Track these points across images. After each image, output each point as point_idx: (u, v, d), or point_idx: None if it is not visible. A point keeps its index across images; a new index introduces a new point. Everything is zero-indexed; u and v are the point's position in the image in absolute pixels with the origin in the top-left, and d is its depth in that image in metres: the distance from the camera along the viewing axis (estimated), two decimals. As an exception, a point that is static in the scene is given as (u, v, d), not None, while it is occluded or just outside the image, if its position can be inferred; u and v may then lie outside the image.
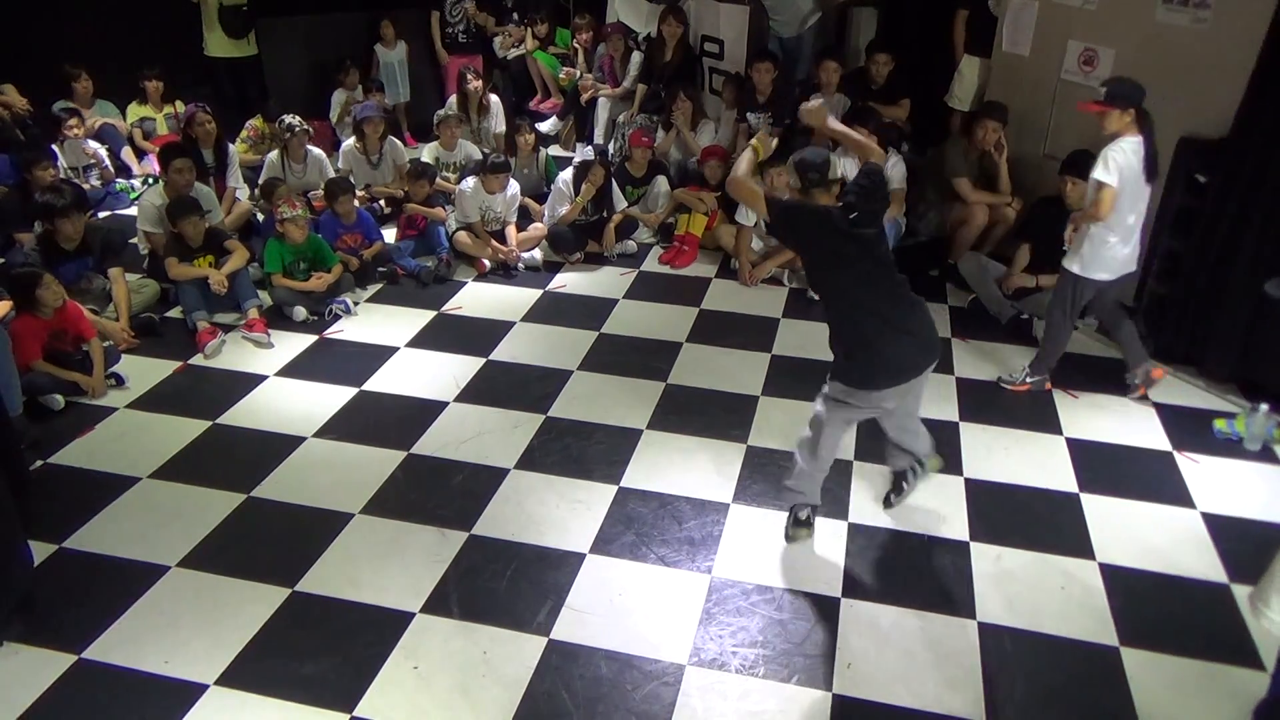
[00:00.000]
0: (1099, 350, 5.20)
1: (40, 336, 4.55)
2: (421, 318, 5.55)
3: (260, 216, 6.36)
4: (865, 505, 3.96)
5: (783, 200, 3.47)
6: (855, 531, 3.81)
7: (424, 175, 6.37)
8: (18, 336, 4.48)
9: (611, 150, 7.63)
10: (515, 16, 8.93)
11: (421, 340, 5.30)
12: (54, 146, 6.85)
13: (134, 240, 5.97)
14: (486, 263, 6.12)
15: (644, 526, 3.81)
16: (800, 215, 3.41)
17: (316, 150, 6.78)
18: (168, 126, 7.74)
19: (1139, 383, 4.74)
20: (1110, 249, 4.34)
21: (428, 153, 6.94)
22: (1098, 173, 4.14)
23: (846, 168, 5.78)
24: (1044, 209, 5.35)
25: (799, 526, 3.74)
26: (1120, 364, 4.86)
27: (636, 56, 7.78)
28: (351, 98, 7.87)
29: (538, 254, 6.25)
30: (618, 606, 3.41)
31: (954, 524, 3.87)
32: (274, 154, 6.63)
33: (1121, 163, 4.11)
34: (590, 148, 7.87)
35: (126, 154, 7.49)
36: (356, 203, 6.16)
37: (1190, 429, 4.53)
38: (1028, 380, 4.80)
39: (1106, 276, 4.43)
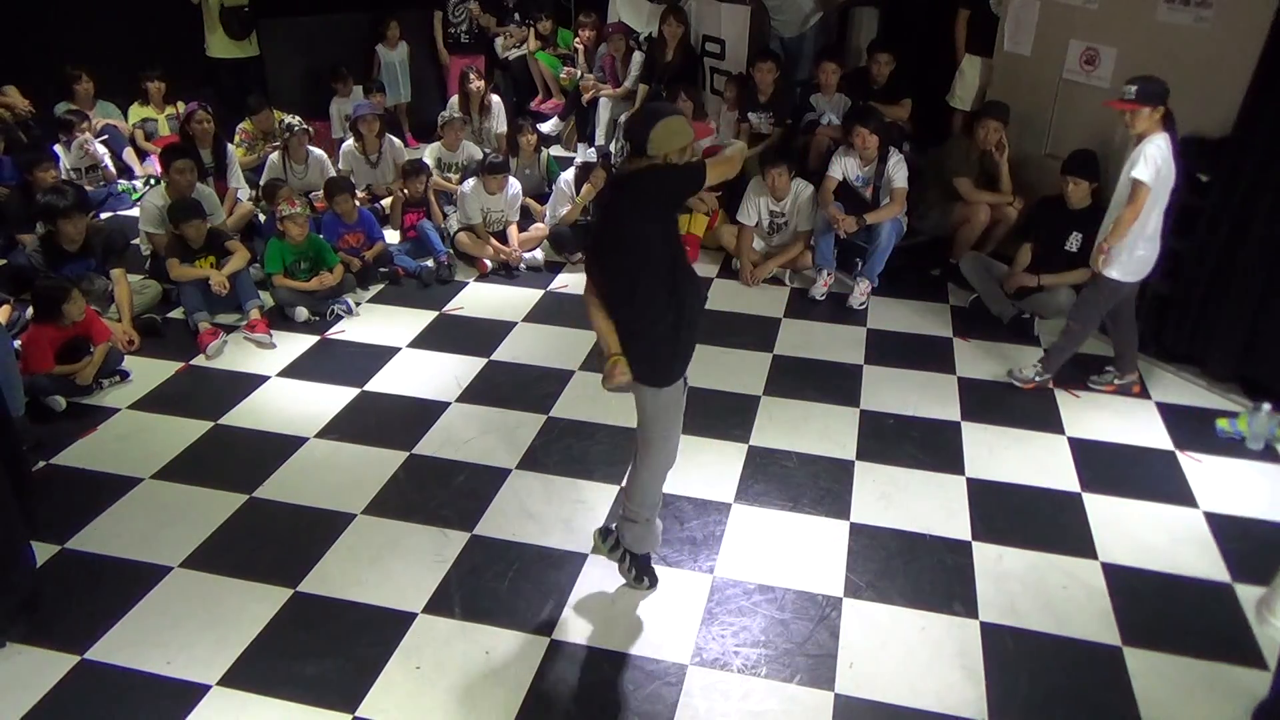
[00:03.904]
0: (1102, 350, 5.19)
1: (56, 345, 4.57)
2: (423, 318, 5.55)
3: (262, 217, 6.37)
4: (866, 505, 3.96)
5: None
6: (857, 531, 3.81)
7: (418, 174, 6.39)
8: (34, 344, 4.50)
9: (613, 150, 7.63)
10: (516, 17, 8.93)
11: (423, 340, 5.30)
12: (56, 148, 6.87)
13: (136, 241, 5.98)
14: (488, 263, 6.12)
15: (646, 526, 3.81)
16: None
17: (317, 151, 6.78)
18: (169, 127, 7.73)
19: (1115, 382, 4.80)
20: (1148, 250, 4.31)
21: (430, 153, 6.94)
22: (1138, 171, 4.08)
23: (847, 166, 5.81)
24: (1046, 208, 5.35)
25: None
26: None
27: (638, 56, 7.78)
28: (347, 104, 7.83)
29: (539, 254, 6.25)
30: (620, 606, 3.41)
31: (956, 523, 3.87)
32: (275, 155, 6.63)
33: (1160, 161, 4.09)
34: (593, 149, 7.87)
35: (128, 155, 7.50)
36: (357, 202, 6.17)
37: (1192, 428, 4.53)
38: (1037, 379, 4.79)
39: (1136, 280, 4.40)
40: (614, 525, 3.44)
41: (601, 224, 3.21)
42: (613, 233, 3.06)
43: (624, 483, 3.44)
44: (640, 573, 3.45)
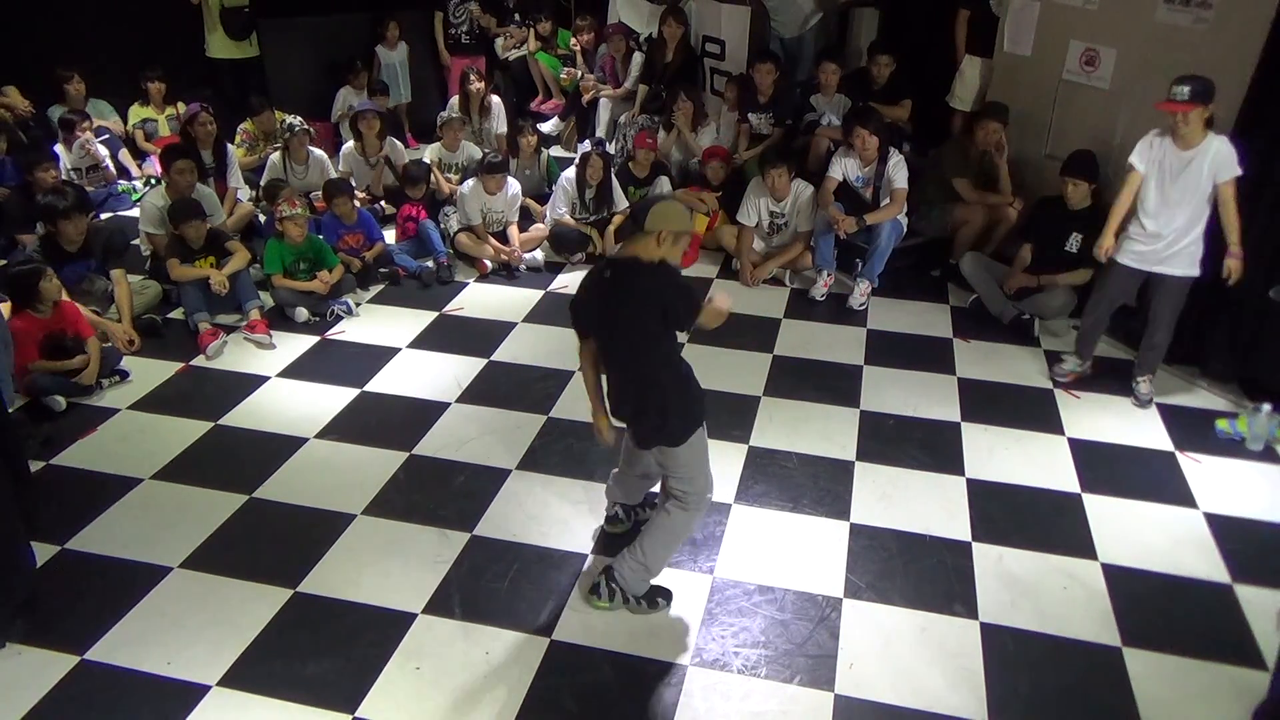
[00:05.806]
0: (1101, 350, 5.19)
1: (37, 336, 4.56)
2: (423, 318, 5.55)
3: (262, 218, 6.37)
4: (866, 506, 3.96)
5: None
6: (857, 531, 3.81)
7: (419, 180, 6.40)
8: (15, 337, 4.49)
9: (613, 150, 7.63)
10: (517, 17, 8.94)
11: (423, 341, 5.30)
12: (56, 148, 6.87)
13: (136, 241, 5.98)
14: (488, 263, 6.12)
15: (646, 527, 3.81)
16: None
17: (318, 151, 6.77)
18: (170, 128, 7.74)
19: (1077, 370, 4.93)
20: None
21: (430, 154, 6.94)
22: (1235, 169, 4.22)
23: (847, 167, 5.81)
24: (1045, 209, 5.35)
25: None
26: (1128, 364, 4.86)
27: (638, 57, 7.78)
28: (357, 97, 7.84)
29: (539, 255, 6.25)
30: (620, 608, 3.41)
31: (956, 524, 3.87)
32: (275, 155, 6.63)
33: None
34: (587, 141, 7.86)
35: (123, 155, 7.49)
36: (357, 203, 6.17)
37: (1192, 429, 4.53)
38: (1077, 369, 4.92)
39: (1128, 263, 4.56)
40: (600, 577, 3.37)
41: (600, 295, 3.15)
42: (612, 301, 3.08)
43: (642, 532, 3.36)
44: (653, 598, 3.40)
